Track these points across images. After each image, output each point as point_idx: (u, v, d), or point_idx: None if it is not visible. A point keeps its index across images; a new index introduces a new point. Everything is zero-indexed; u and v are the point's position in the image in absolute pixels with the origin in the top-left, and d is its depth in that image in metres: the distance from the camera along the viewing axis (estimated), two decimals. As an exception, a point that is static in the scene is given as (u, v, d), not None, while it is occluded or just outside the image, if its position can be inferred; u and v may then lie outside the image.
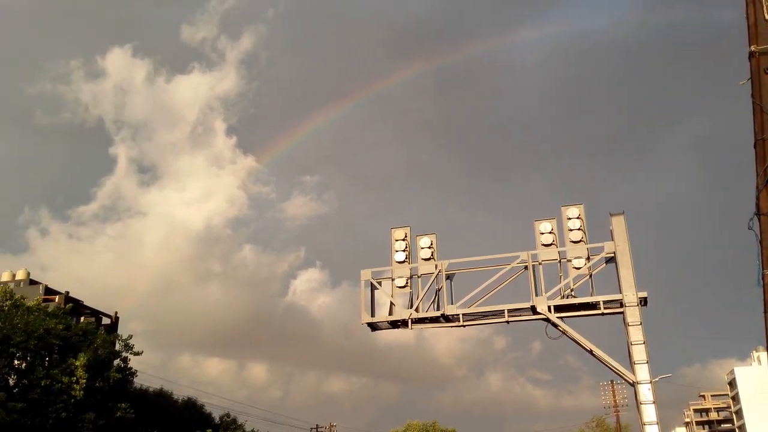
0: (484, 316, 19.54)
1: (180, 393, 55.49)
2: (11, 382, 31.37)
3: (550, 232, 19.26)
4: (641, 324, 17.31)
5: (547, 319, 18.49)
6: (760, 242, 4.44)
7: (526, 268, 19.20)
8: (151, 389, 48.56)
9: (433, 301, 19.90)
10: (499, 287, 19.53)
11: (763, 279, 4.30)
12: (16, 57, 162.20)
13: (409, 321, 19.65)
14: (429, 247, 20.23)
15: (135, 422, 36.11)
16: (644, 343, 17.11)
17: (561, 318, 18.44)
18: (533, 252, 19.24)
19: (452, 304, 19.53)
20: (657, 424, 16.39)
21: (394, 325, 20.04)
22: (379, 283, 20.39)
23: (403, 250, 20.36)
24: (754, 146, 9.65)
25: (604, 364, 17.82)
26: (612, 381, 71.21)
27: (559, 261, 19.07)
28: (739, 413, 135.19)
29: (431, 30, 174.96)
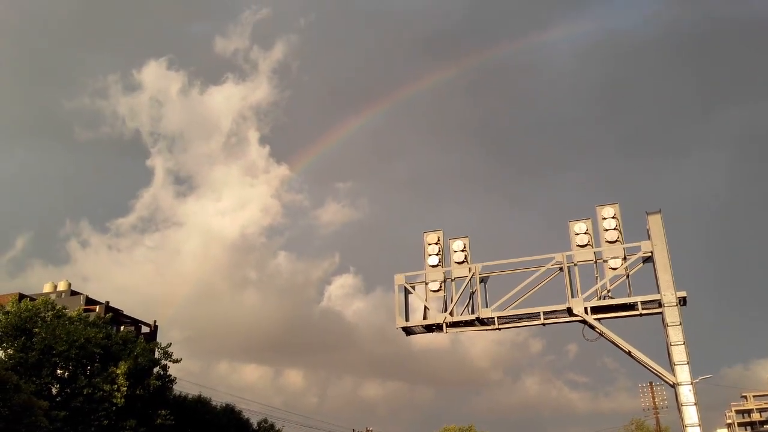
0: (519, 318, 19.43)
1: (218, 399, 56.09)
2: (54, 391, 32.07)
3: (585, 233, 19.06)
4: (681, 324, 17.04)
5: (584, 321, 18.31)
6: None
7: (561, 269, 19.04)
8: (190, 396, 49.18)
9: (468, 305, 19.86)
10: (534, 289, 19.40)
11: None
12: (56, 72, 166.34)
13: (444, 325, 19.63)
14: (462, 251, 20.20)
15: (175, 429, 36.62)
16: (684, 343, 16.84)
17: (598, 319, 18.25)
18: (568, 253, 19.07)
19: (487, 307, 19.45)
20: (699, 425, 16.12)
21: (429, 329, 20.04)
22: (413, 288, 20.41)
23: (437, 254, 20.34)
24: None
25: (643, 365, 17.57)
26: (651, 382, 69.87)
27: (595, 262, 18.88)
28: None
29: (463, 32, 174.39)
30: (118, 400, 31.57)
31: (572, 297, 18.53)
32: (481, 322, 19.50)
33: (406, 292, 20.41)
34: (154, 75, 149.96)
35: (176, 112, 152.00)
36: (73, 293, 53.92)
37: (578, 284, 18.75)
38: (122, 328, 48.71)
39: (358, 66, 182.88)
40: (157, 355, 36.70)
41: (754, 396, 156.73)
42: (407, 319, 20.15)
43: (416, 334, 20.54)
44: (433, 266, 20.22)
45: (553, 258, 19.24)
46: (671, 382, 16.84)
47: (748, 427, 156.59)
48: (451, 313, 19.64)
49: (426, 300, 20.10)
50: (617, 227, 18.82)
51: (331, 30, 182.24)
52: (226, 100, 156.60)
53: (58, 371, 32.47)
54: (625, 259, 18.48)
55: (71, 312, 35.32)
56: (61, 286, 55.33)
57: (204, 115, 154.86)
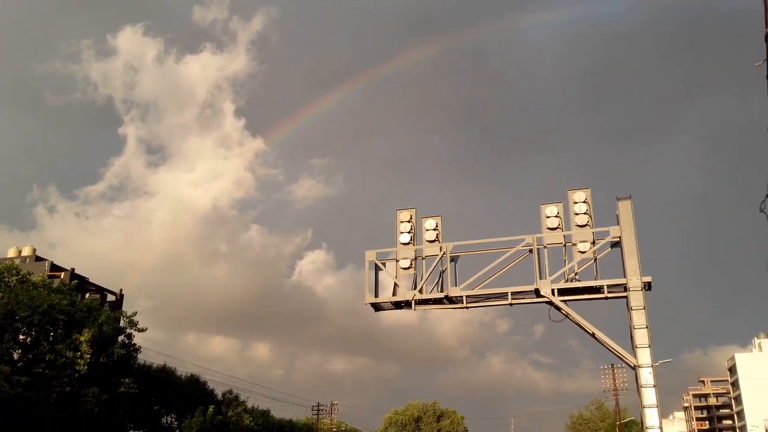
0: (487, 298, 19.58)
1: (184, 370, 55.96)
2: (16, 356, 31.63)
3: (556, 216, 19.20)
4: (644, 309, 17.33)
5: (550, 302, 18.51)
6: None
7: (531, 251, 19.18)
8: (154, 365, 48.92)
9: (437, 283, 19.93)
10: (504, 270, 19.54)
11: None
12: (27, 36, 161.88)
13: (413, 302, 19.70)
14: (434, 229, 20.23)
15: (138, 397, 36.45)
16: (647, 327, 17.14)
17: (564, 301, 18.47)
18: (538, 235, 19.21)
19: (456, 286, 19.55)
20: (657, 407, 16.47)
21: (398, 305, 20.10)
22: (384, 265, 20.42)
23: (408, 232, 20.33)
24: (768, 128, 9.58)
25: (606, 347, 17.87)
26: (613, 365, 71.37)
27: (564, 245, 19.06)
28: (737, 399, 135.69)
29: (445, 12, 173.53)
30: (81, 367, 31.26)
31: (540, 278, 18.70)
32: (450, 300, 19.61)
33: (377, 269, 20.42)
34: (130, 41, 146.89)
35: (151, 80, 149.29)
36: (38, 259, 52.93)
37: (547, 266, 18.93)
38: (87, 295, 48.09)
39: (338, 42, 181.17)
40: (122, 323, 36.40)
41: (711, 381, 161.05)
42: (376, 296, 20.18)
43: (385, 310, 20.60)
44: (404, 244, 20.22)
45: (524, 240, 19.37)
46: (632, 364, 17.16)
47: (705, 411, 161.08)
48: (420, 291, 19.71)
49: (396, 277, 20.13)
50: (588, 212, 18.99)
51: (312, 4, 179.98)
52: (203, 69, 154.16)
53: (21, 336, 32.01)
54: (593, 243, 18.68)
55: (35, 278, 34.74)
56: (26, 252, 54.24)
57: (179, 84, 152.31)
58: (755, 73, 10.08)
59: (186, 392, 50.36)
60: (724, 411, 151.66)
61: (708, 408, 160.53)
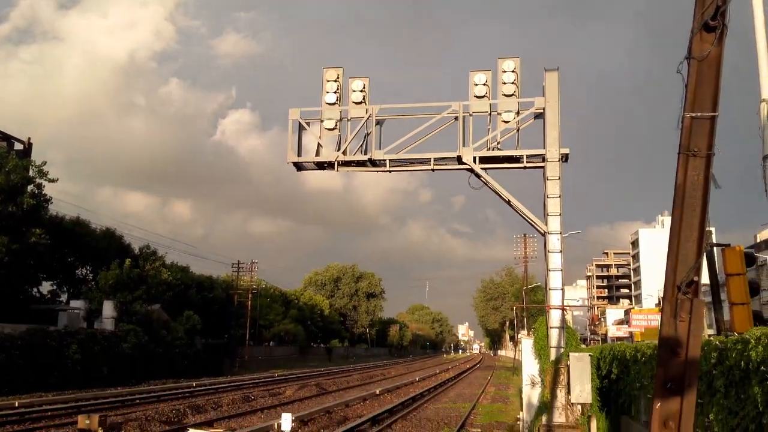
0: (410, 162, 19.67)
1: (99, 223, 55.03)
2: None
3: (483, 84, 19.07)
4: (559, 179, 17.86)
5: (471, 170, 18.79)
6: (686, 85, 4.39)
7: (456, 118, 19.15)
8: (67, 217, 47.83)
9: (361, 146, 19.79)
10: (428, 136, 19.52)
11: (682, 122, 4.28)
12: None
13: (336, 163, 19.58)
14: (361, 91, 19.76)
15: (51, 248, 35.78)
16: (560, 197, 17.76)
17: (485, 169, 18.79)
18: (465, 103, 19.12)
19: (380, 149, 19.48)
20: (561, 270, 17.44)
21: (321, 166, 19.94)
22: (308, 125, 20.02)
23: (335, 92, 19.81)
24: None
25: (520, 214, 18.50)
26: (525, 234, 75.18)
27: (490, 114, 19.10)
28: (636, 270, 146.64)
29: None
30: (-11, 215, 30.14)
31: (463, 146, 18.84)
32: (373, 163, 19.60)
33: (300, 128, 20.02)
34: None
35: None
36: (-63, 100, 49.17)
37: (471, 134, 19.04)
38: (-7, 142, 45.50)
39: None
40: (31, 173, 34.86)
41: (614, 253, 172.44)
42: (299, 155, 19.92)
43: (307, 170, 20.42)
44: (330, 104, 19.75)
45: (450, 106, 19.26)
46: (543, 231, 17.92)
47: (605, 280, 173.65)
48: (344, 153, 19.55)
49: (320, 137, 19.83)
50: (515, 81, 18.92)
51: None
52: None
53: None
54: (518, 113, 18.80)
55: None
56: None
57: None
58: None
59: (101, 246, 49.81)
60: (623, 281, 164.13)
61: (609, 277, 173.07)
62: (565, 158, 18.22)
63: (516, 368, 53.67)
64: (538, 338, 17.98)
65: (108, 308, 46.99)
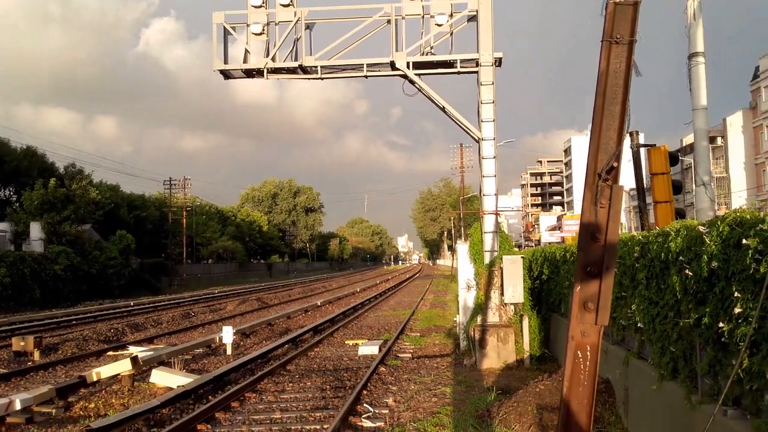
0: (342, 69, 19.10)
1: (19, 141, 52.42)
2: None
3: (416, -16, 18.42)
4: (493, 84, 17.72)
5: (404, 76, 18.41)
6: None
7: (389, 21, 18.55)
8: (-18, 136, 45.29)
9: (291, 52, 19.04)
10: (360, 40, 18.90)
11: (606, 8, 4.15)
12: None
13: (265, 70, 18.82)
14: (289, -8, 18.82)
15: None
16: (493, 102, 17.67)
17: (419, 75, 18.44)
18: (397, 5, 18.48)
19: (311, 55, 18.80)
20: (494, 177, 17.60)
21: (249, 74, 19.16)
22: (234, 29, 19.06)
23: (261, -6, 18.79)
24: None
25: (455, 121, 18.39)
26: (461, 144, 75.74)
27: (423, 16, 18.56)
28: (569, 177, 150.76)
29: None
30: None
31: (396, 51, 18.36)
32: (304, 70, 18.93)
33: (226, 33, 19.04)
34: None
35: None
36: None
37: (404, 39, 18.51)
38: None
39: None
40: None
41: (548, 161, 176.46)
42: (226, 62, 19.04)
43: (236, 78, 19.59)
44: (255, 6, 18.76)
45: (382, 9, 18.60)
46: (477, 138, 17.91)
47: (539, 188, 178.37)
48: (273, 59, 18.78)
49: (247, 43, 18.94)
50: (449, -18, 18.33)
51: None
52: None
53: None
54: (451, 15, 18.32)
55: None
56: None
57: None
58: None
59: (23, 166, 47.61)
60: (556, 188, 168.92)
61: (542, 185, 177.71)
62: (498, 63, 18.03)
63: (454, 276, 55.26)
64: (473, 243, 18.31)
65: (35, 230, 45.51)
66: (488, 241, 17.73)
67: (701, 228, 6.49)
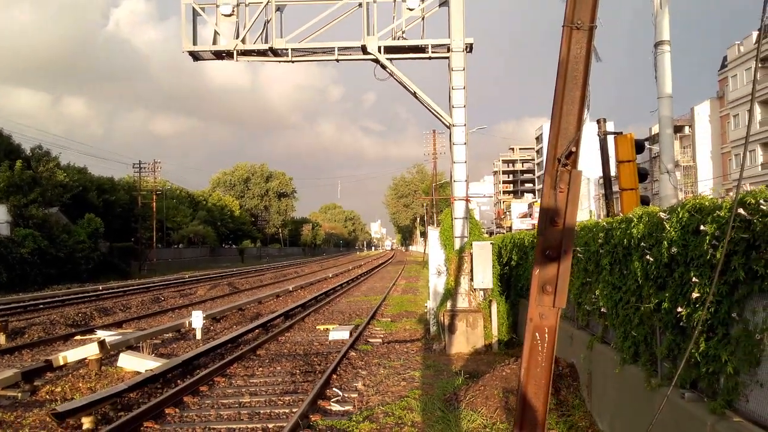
0: (313, 52, 18.94)
1: (-17, 123, 51.24)
2: None
3: (388, -32, 18.31)
4: (464, 70, 17.74)
5: (376, 60, 18.34)
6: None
7: (360, 5, 18.43)
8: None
9: (262, 34, 18.83)
10: (332, 24, 18.74)
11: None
12: None
13: (235, 52, 18.59)
14: (260, -27, 18.56)
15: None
16: (464, 88, 17.70)
17: (390, 59, 18.37)
18: (369, -12, 18.36)
19: (281, 38, 18.61)
20: (464, 163, 17.66)
21: (219, 55, 18.91)
22: (203, 10, 18.78)
23: (231, -26, 18.51)
24: None
25: (426, 107, 18.38)
26: (435, 130, 75.82)
27: (394, 1, 18.47)
28: (540, 165, 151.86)
29: None
30: None
31: (368, 35, 18.27)
32: (275, 53, 18.75)
33: (195, 14, 18.75)
34: None
35: None
36: None
37: (375, 23, 18.40)
38: None
39: None
40: None
41: (520, 148, 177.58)
42: (195, 43, 18.76)
43: (205, 59, 19.32)
44: (226, -13, 18.48)
45: (354, -8, 18.45)
46: (448, 123, 17.94)
47: (511, 175, 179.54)
48: (243, 41, 18.55)
49: (216, 24, 18.67)
50: (421, -33, 18.25)
51: None
52: None
53: None
54: (422, 0, 18.26)
55: None
56: None
57: None
58: None
59: (-12, 147, 46.53)
60: (528, 175, 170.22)
61: (514, 172, 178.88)
62: (469, 48, 18.03)
63: (425, 262, 55.49)
64: (444, 229, 18.40)
65: (1, 213, 44.62)
66: (458, 227, 17.82)
67: (662, 214, 6.61)
